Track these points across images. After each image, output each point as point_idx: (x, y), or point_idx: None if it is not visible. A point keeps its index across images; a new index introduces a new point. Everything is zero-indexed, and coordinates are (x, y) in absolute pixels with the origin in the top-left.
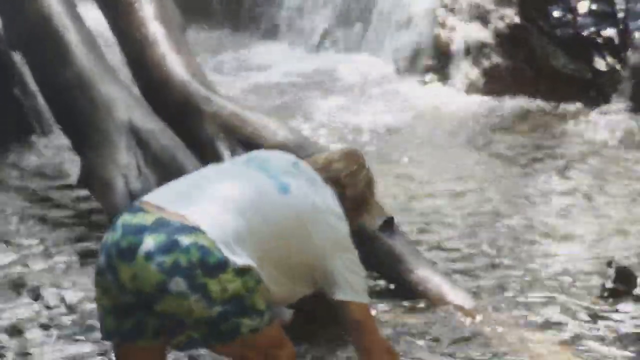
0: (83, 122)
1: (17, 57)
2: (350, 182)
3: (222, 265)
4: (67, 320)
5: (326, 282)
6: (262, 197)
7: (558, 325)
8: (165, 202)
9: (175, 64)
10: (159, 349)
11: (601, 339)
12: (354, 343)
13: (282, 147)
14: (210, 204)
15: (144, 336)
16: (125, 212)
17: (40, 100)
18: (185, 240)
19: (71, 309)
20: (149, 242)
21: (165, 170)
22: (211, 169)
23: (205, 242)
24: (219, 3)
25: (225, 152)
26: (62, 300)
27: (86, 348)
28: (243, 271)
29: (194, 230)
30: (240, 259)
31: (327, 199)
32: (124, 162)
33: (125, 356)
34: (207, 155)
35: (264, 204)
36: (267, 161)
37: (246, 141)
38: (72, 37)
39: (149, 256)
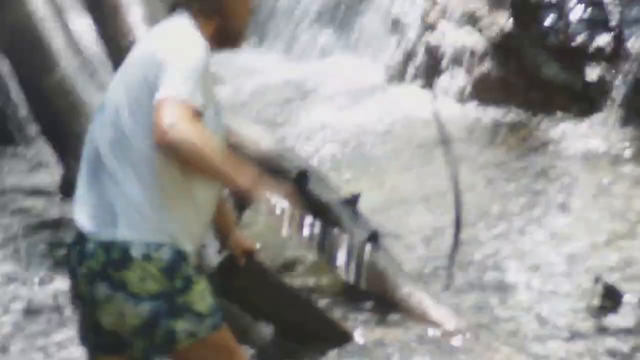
0: (65, 129)
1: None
2: None
3: (127, 252)
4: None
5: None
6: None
7: (542, 342)
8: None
9: None
10: None
11: (588, 356)
12: None
13: (266, 157)
14: (84, 193)
15: (109, 351)
16: None
17: (23, 110)
18: (90, 246)
19: None
20: (74, 258)
21: None
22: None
23: (106, 238)
24: None
25: None
26: None
27: None
28: (148, 254)
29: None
30: (145, 233)
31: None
32: None
33: None
34: None
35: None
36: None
37: (230, 150)
38: (56, 43)
39: (76, 271)
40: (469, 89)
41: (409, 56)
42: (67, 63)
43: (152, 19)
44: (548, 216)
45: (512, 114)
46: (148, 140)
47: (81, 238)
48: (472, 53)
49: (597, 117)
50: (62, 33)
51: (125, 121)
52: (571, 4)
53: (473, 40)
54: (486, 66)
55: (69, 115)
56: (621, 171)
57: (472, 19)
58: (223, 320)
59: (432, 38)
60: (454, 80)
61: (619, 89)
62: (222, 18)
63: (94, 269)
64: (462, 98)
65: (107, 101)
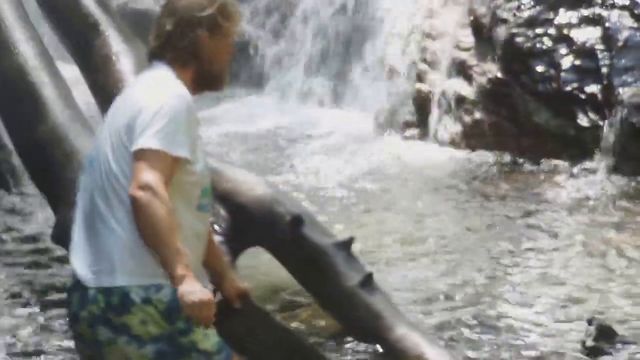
0: (58, 177)
1: None
2: None
3: (127, 297)
4: None
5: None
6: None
7: None
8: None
9: None
10: None
11: None
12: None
13: (260, 202)
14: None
15: None
16: None
17: (15, 155)
18: (91, 292)
19: None
20: (75, 303)
21: None
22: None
23: (105, 284)
24: None
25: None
26: None
27: None
28: (148, 297)
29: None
30: (138, 278)
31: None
32: None
33: None
34: None
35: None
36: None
37: (224, 196)
38: (48, 92)
39: (77, 316)
40: (460, 136)
41: (399, 104)
42: (58, 112)
43: (141, 69)
44: (539, 260)
45: (503, 161)
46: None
47: (80, 284)
48: (463, 101)
49: (588, 164)
50: (53, 83)
51: (112, 166)
52: (562, 52)
53: (463, 88)
54: (477, 114)
55: (62, 163)
56: (611, 218)
57: (462, 68)
58: (231, 357)
59: (422, 87)
60: (445, 128)
61: (609, 136)
62: (200, 63)
63: (94, 314)
64: (453, 145)
65: (96, 149)
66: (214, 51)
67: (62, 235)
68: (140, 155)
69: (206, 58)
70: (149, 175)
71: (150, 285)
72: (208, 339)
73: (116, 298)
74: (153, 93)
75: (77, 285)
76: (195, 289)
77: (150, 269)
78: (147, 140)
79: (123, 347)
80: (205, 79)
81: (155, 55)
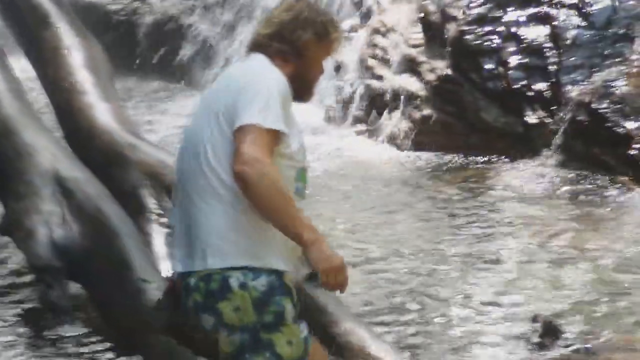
0: (6, 170)
1: None
2: None
3: (225, 282)
4: None
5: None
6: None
7: None
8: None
9: (102, 112)
10: None
11: None
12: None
13: None
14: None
15: None
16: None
17: None
18: (192, 280)
19: None
20: (184, 296)
21: (90, 220)
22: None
23: (204, 272)
24: (149, 54)
25: (150, 201)
26: None
27: None
28: (245, 283)
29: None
30: (232, 258)
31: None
32: (48, 210)
33: None
34: (131, 202)
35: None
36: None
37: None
38: None
39: (186, 307)
40: (409, 132)
41: (349, 99)
42: (8, 105)
43: (92, 64)
44: (487, 256)
45: (452, 157)
46: (229, 168)
47: (184, 275)
48: (412, 97)
49: (535, 160)
50: (2, 76)
51: (208, 153)
52: (510, 50)
53: (413, 85)
54: (426, 111)
55: (10, 155)
56: (558, 212)
57: (411, 65)
58: None
59: (372, 83)
60: (394, 124)
61: (557, 134)
62: (301, 63)
63: (198, 301)
64: (402, 141)
65: (188, 139)
66: (314, 57)
67: (10, 227)
68: (243, 131)
69: (307, 60)
70: (255, 149)
71: (248, 272)
72: (291, 347)
73: (215, 284)
74: (253, 75)
75: (182, 276)
76: (327, 254)
77: (246, 251)
78: (249, 117)
79: (220, 333)
80: (300, 81)
81: (260, 44)
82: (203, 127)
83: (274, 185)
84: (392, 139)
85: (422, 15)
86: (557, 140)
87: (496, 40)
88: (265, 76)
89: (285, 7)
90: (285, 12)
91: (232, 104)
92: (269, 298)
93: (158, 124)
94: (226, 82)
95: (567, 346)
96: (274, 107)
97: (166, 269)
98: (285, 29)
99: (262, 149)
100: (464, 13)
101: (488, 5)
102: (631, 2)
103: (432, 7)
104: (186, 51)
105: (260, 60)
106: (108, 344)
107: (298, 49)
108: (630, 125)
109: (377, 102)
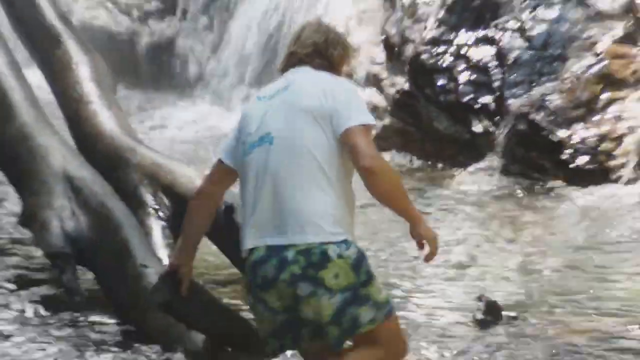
0: (24, 170)
1: None
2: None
3: (325, 254)
4: None
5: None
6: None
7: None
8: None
9: (106, 120)
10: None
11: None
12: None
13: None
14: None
15: (303, 344)
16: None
17: None
18: (290, 254)
19: None
20: (271, 270)
21: (96, 213)
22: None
23: (302, 247)
24: (147, 65)
25: (149, 197)
26: None
27: None
28: (341, 254)
29: (291, 245)
30: (334, 228)
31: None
32: (59, 205)
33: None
34: (133, 199)
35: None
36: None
37: (167, 188)
38: (16, 96)
39: (276, 279)
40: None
41: None
42: (24, 113)
43: (97, 77)
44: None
45: (408, 161)
46: (326, 155)
47: (275, 252)
48: (375, 109)
49: (481, 164)
50: (20, 87)
51: (310, 147)
52: (460, 68)
53: (376, 98)
54: (386, 120)
55: (28, 157)
56: (499, 207)
57: (375, 80)
58: (393, 311)
59: None
60: None
61: (500, 141)
62: (334, 74)
63: (296, 273)
64: None
65: (272, 134)
66: (341, 69)
67: (28, 220)
68: (353, 131)
69: (338, 72)
70: (371, 147)
71: (341, 243)
72: (380, 292)
73: (316, 256)
74: (335, 83)
75: (272, 254)
76: (431, 229)
77: (340, 227)
78: (358, 118)
79: (319, 298)
80: None
81: (304, 60)
82: (295, 124)
83: (395, 176)
84: None
85: (384, 37)
86: (500, 146)
87: (448, 59)
88: (344, 82)
89: (313, 30)
90: (315, 34)
91: (328, 106)
92: (361, 262)
93: (155, 131)
94: (304, 88)
95: (506, 323)
96: (365, 107)
97: (163, 256)
98: (320, 48)
99: (373, 145)
100: (420, 36)
101: (441, 29)
102: (565, 27)
103: (393, 30)
104: (179, 67)
105: (322, 72)
106: (125, 327)
107: (333, 63)
108: (563, 133)
109: None
